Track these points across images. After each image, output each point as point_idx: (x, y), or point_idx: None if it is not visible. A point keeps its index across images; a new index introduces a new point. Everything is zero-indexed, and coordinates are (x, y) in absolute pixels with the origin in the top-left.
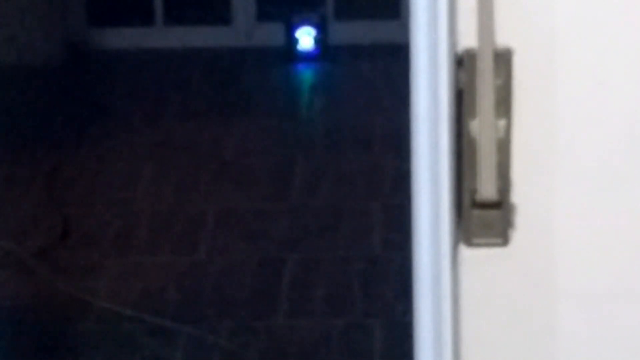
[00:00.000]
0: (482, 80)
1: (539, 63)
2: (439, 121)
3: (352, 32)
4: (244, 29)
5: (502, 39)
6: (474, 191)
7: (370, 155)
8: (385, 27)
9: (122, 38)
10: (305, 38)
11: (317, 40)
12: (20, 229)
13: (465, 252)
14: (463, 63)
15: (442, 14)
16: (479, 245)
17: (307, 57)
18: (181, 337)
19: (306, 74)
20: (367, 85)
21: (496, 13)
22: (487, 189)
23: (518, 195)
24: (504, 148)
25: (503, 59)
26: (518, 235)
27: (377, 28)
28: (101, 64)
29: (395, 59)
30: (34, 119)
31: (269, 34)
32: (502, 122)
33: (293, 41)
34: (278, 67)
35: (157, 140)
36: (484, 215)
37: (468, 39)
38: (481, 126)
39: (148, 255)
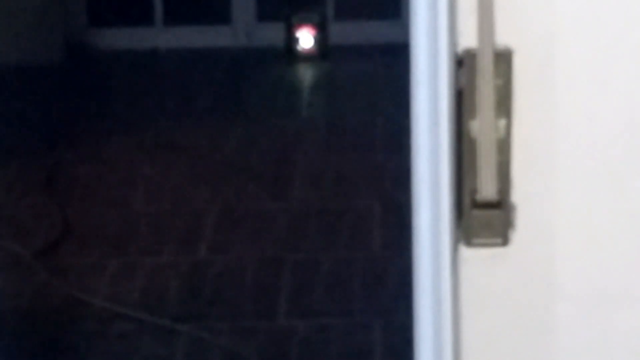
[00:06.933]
0: (482, 80)
1: (539, 63)
2: (439, 121)
3: (352, 32)
4: (244, 29)
5: (502, 39)
6: (474, 191)
7: (370, 155)
8: (385, 27)
9: (122, 38)
10: (305, 38)
11: (317, 40)
12: (20, 229)
13: (465, 252)
14: (463, 63)
15: (442, 14)
16: (479, 245)
17: (307, 57)
18: (181, 337)
19: (306, 74)
20: (367, 85)
21: (496, 13)
22: (487, 189)
23: (518, 195)
24: (504, 148)
25: (503, 59)
26: (518, 235)
27: (377, 28)
28: (101, 64)
29: (395, 59)
30: (34, 119)
31: (269, 34)
32: (502, 122)
33: (293, 41)
34: (278, 67)
35: (157, 140)
36: (484, 215)
37: (468, 39)
38: (481, 126)
39: (148, 255)
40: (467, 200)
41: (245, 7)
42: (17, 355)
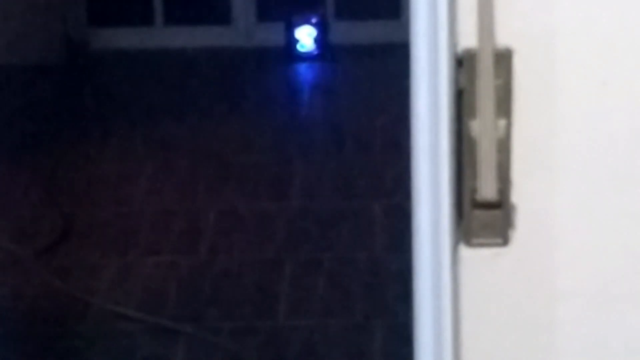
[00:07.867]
0: (482, 80)
1: (539, 63)
2: (439, 121)
3: (352, 32)
4: (244, 29)
5: (502, 39)
6: (474, 191)
7: (370, 155)
8: (385, 27)
9: (122, 38)
10: (305, 38)
11: (317, 40)
12: (20, 229)
13: (465, 252)
14: (463, 63)
15: (442, 14)
16: (479, 245)
17: (307, 57)
18: (181, 337)
19: (306, 74)
20: (367, 85)
21: (496, 13)
22: (487, 189)
23: (518, 195)
24: (504, 148)
25: (503, 59)
26: (518, 235)
27: (377, 28)
28: (101, 64)
29: (395, 59)
30: (34, 119)
31: (269, 34)
32: (502, 122)
33: (293, 41)
34: (278, 67)
35: (157, 140)
36: (484, 215)
37: (468, 39)
38: (481, 126)
39: (148, 255)
40: (467, 200)
41: (245, 7)
42: (17, 356)
